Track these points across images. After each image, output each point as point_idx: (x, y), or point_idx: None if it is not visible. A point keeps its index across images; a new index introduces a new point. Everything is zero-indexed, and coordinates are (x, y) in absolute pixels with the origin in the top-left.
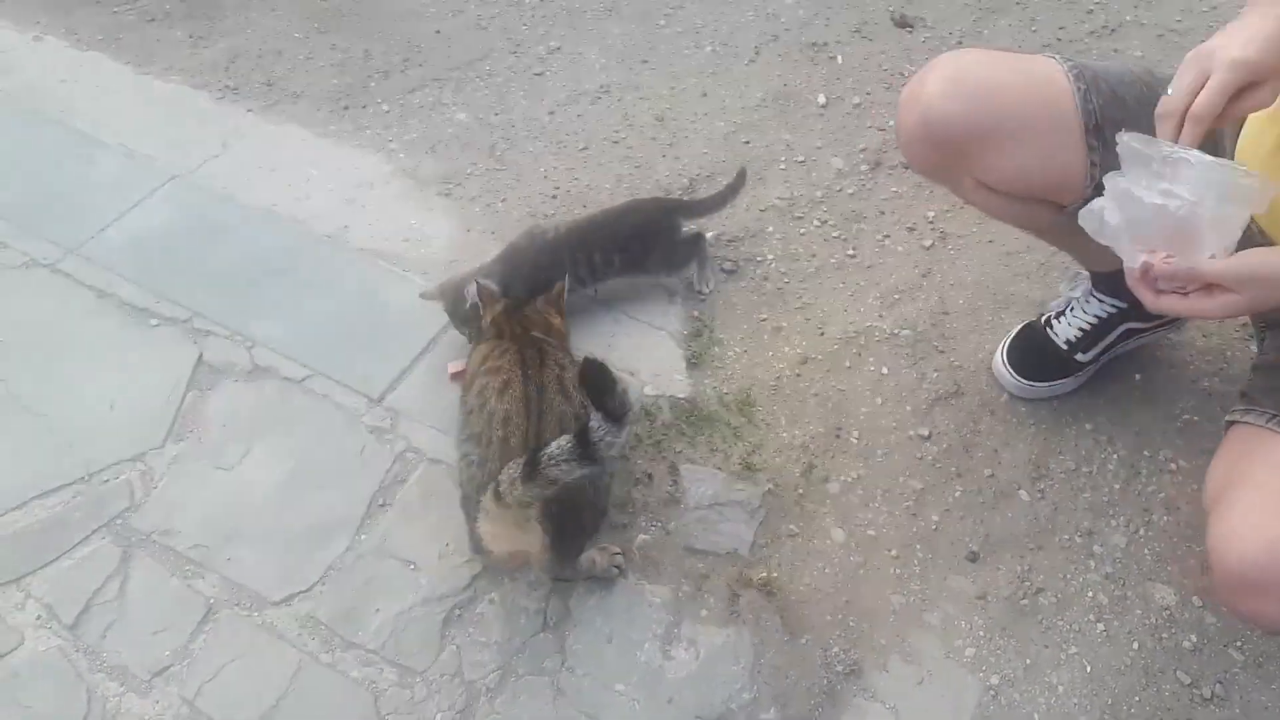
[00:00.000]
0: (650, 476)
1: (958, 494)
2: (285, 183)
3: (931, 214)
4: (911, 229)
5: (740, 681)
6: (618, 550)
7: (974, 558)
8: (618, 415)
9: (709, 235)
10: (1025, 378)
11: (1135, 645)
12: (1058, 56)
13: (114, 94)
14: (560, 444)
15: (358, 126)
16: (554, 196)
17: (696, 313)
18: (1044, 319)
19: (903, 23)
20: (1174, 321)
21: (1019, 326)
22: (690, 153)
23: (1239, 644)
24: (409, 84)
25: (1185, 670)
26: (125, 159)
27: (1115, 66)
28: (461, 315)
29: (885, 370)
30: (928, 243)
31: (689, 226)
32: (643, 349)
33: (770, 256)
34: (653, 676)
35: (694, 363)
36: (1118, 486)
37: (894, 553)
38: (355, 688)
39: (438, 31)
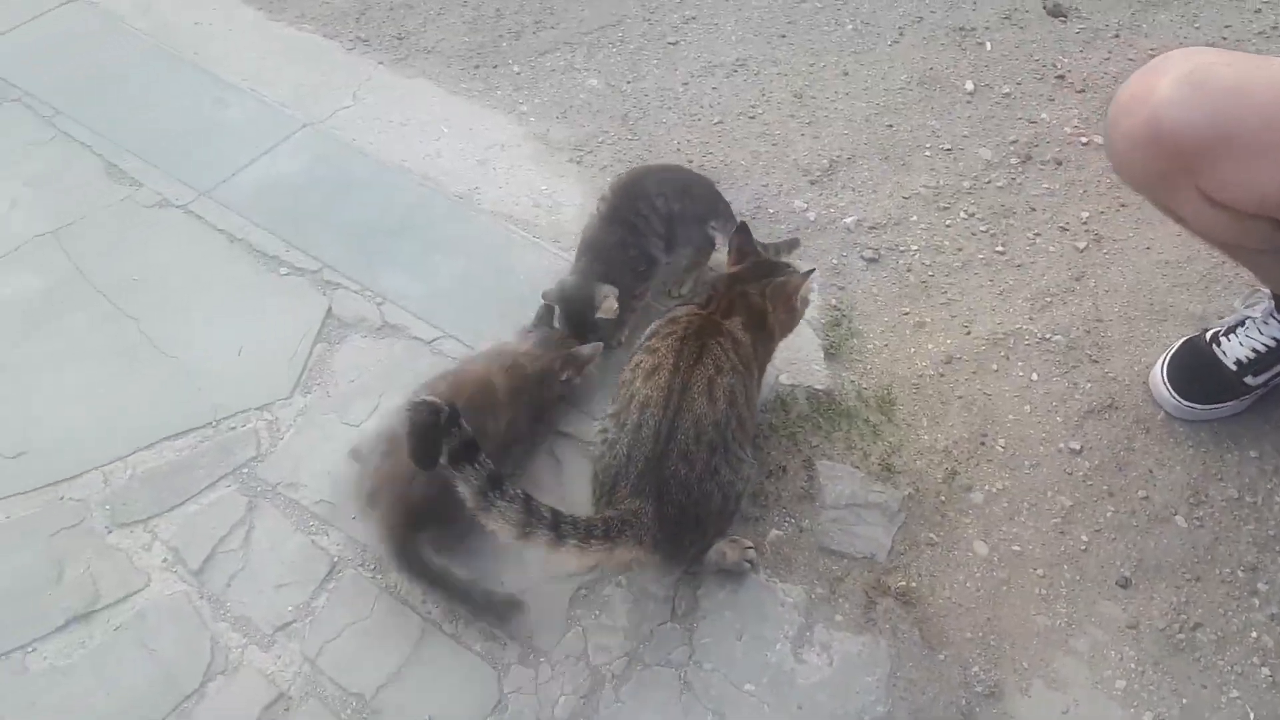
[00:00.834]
0: (785, 469)
1: (1109, 514)
2: (416, 139)
3: (1086, 215)
4: (1064, 229)
5: (875, 694)
6: (750, 545)
7: (1125, 583)
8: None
9: (850, 220)
10: (1186, 398)
11: None
12: None
13: (246, 39)
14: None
15: (489, 86)
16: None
17: (835, 301)
18: (1209, 335)
19: (1056, 11)
20: None
21: (1180, 341)
22: (830, 133)
23: None
24: (541, 46)
25: None
26: (257, 105)
27: None
28: (575, 319)
29: (1035, 376)
30: (1081, 245)
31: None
32: None
33: (914, 247)
34: (783, 679)
35: (832, 354)
36: None
37: (1040, 571)
38: (478, 662)
39: None
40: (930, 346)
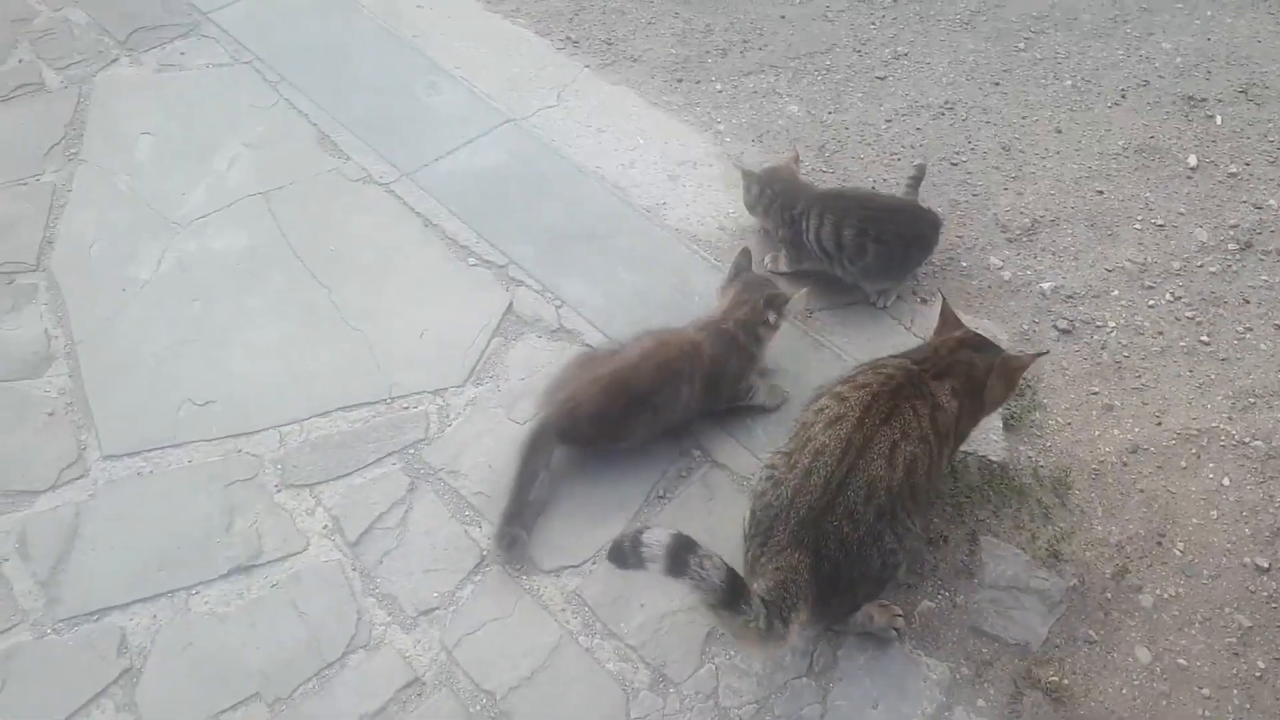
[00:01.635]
0: (946, 539)
1: None
2: (612, 147)
3: None
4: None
5: None
6: (899, 612)
7: None
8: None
9: (1046, 286)
10: None
11: None
12: None
13: (463, 27)
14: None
15: (689, 101)
16: None
17: None
18: None
19: None
20: None
21: None
22: (1035, 191)
23: None
24: (746, 66)
25: None
26: (466, 94)
27: None
28: (750, 202)
29: (1227, 481)
30: None
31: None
32: None
33: (1111, 324)
34: None
35: (1012, 425)
36: None
37: (1206, 691)
38: (609, 681)
39: (783, 17)
40: (1116, 432)
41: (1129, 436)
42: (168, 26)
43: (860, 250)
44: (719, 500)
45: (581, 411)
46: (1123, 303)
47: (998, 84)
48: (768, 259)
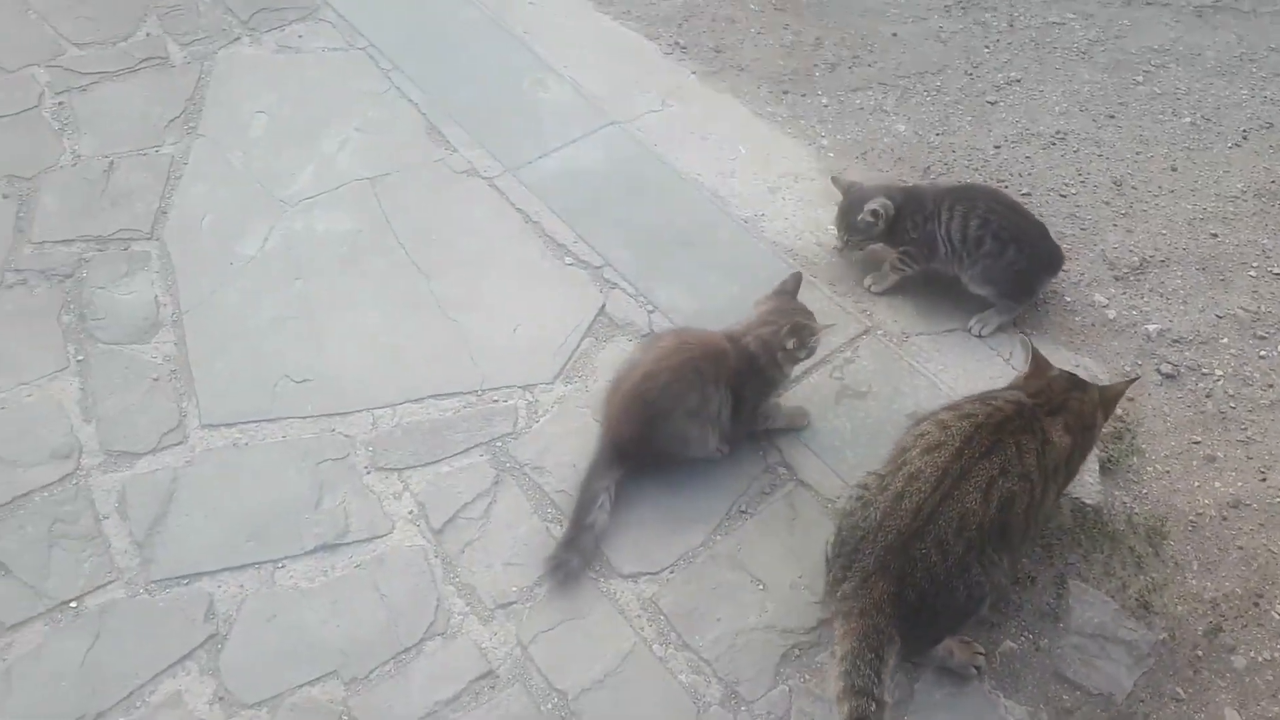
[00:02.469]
0: (1033, 580)
1: None
2: (714, 155)
3: None
4: None
5: None
6: (981, 650)
7: None
8: None
9: (1152, 328)
10: None
11: None
12: None
13: (573, 25)
14: None
15: (794, 114)
16: None
17: (1121, 412)
18: None
19: None
20: None
21: None
22: (1146, 229)
23: None
24: (854, 82)
25: None
26: (572, 93)
27: None
28: (848, 223)
29: None
30: None
31: None
32: None
33: (1219, 372)
34: None
35: (1109, 468)
36: None
37: None
38: (681, 693)
39: (895, 35)
40: (1218, 485)
41: (1230, 490)
42: (288, 9)
43: (979, 242)
44: (802, 520)
45: (623, 434)
46: (1232, 351)
47: (1112, 117)
48: (867, 280)
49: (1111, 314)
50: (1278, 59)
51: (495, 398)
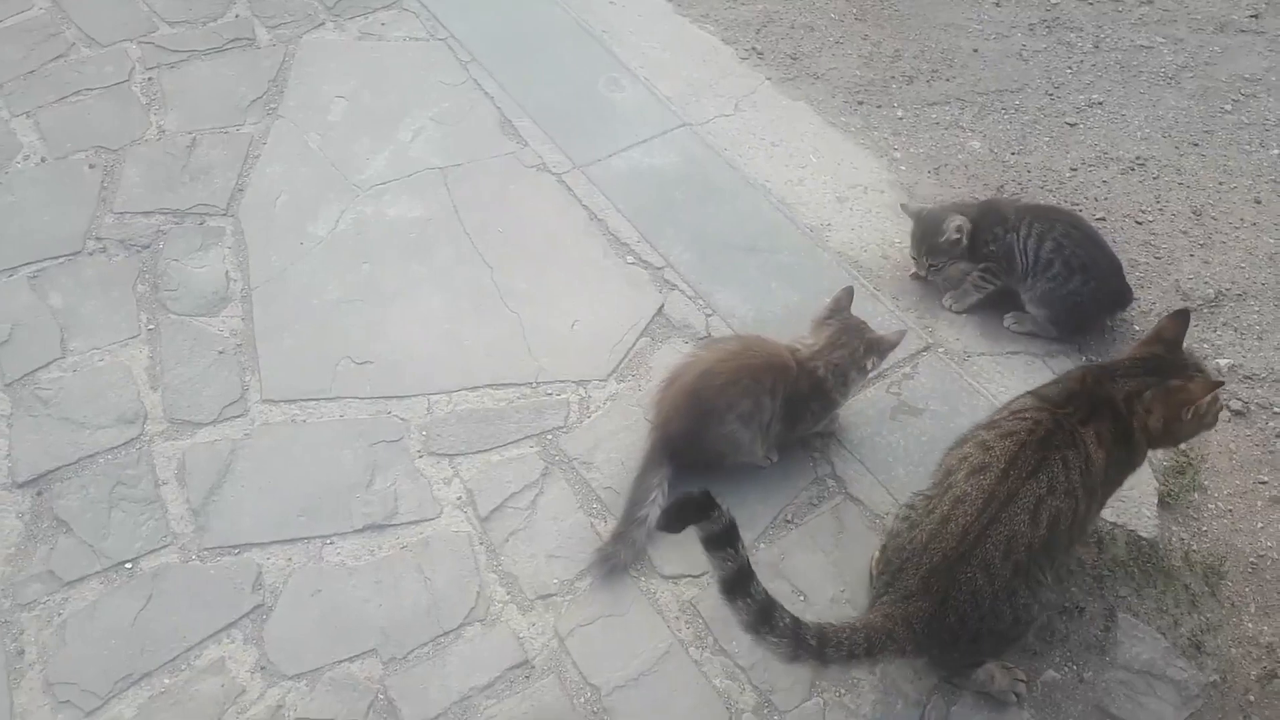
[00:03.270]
0: (1082, 611)
1: None
2: (784, 162)
3: None
4: None
5: None
6: (1023, 677)
7: None
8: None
9: (1224, 363)
10: None
11: None
12: None
13: (651, 26)
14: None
15: (867, 125)
16: None
17: (1185, 445)
18: None
19: None
20: None
21: None
22: (1224, 261)
23: None
24: (931, 96)
25: None
26: (646, 94)
27: None
28: (930, 245)
29: None
30: None
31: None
32: None
33: None
34: None
35: (1168, 502)
36: None
37: None
38: (714, 697)
39: (975, 50)
40: None
41: None
42: None
43: (1048, 264)
44: (849, 534)
45: (673, 429)
46: None
47: (1196, 145)
48: (946, 299)
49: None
50: None
51: (549, 391)
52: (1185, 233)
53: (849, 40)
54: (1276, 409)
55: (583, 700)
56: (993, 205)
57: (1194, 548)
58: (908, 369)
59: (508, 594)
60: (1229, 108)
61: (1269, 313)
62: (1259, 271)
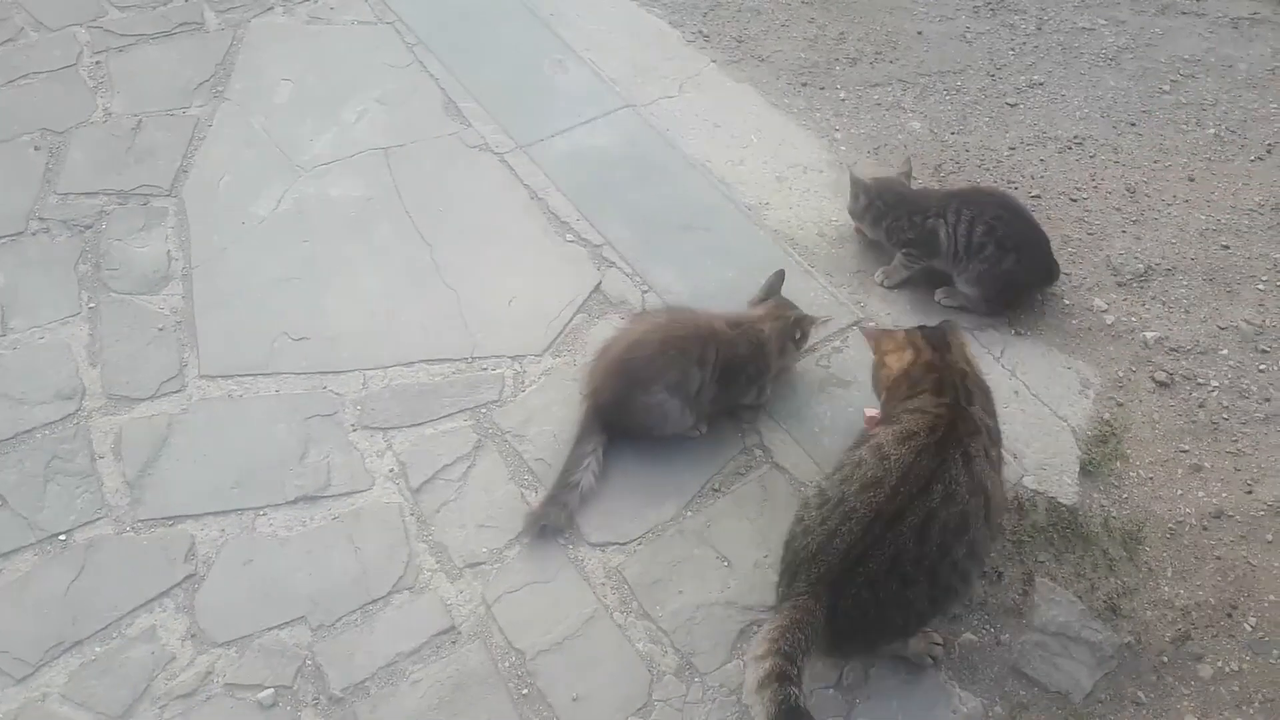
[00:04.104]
0: (1000, 575)
1: None
2: (725, 143)
3: None
4: None
5: None
6: (939, 640)
7: None
8: None
9: (1150, 335)
10: None
11: None
12: None
13: (598, 10)
14: None
15: (810, 106)
16: None
17: (1108, 415)
18: None
19: None
20: None
21: None
22: (1155, 238)
23: None
24: (874, 78)
25: None
26: (590, 76)
27: None
28: (856, 211)
29: None
30: None
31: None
32: (1036, 433)
33: (1215, 383)
34: None
35: (1089, 471)
36: None
37: None
38: (637, 661)
39: (920, 33)
40: (1201, 495)
41: (1214, 501)
42: None
43: (980, 248)
44: (772, 502)
45: (603, 399)
46: (1231, 363)
47: (1134, 124)
48: (878, 275)
49: (1110, 319)
50: None
51: (484, 366)
52: (1119, 209)
53: (795, 23)
54: (1200, 380)
55: (508, 664)
56: (908, 199)
57: (1114, 514)
58: (838, 343)
59: (437, 563)
60: (1167, 88)
61: (1197, 287)
62: (1189, 247)
